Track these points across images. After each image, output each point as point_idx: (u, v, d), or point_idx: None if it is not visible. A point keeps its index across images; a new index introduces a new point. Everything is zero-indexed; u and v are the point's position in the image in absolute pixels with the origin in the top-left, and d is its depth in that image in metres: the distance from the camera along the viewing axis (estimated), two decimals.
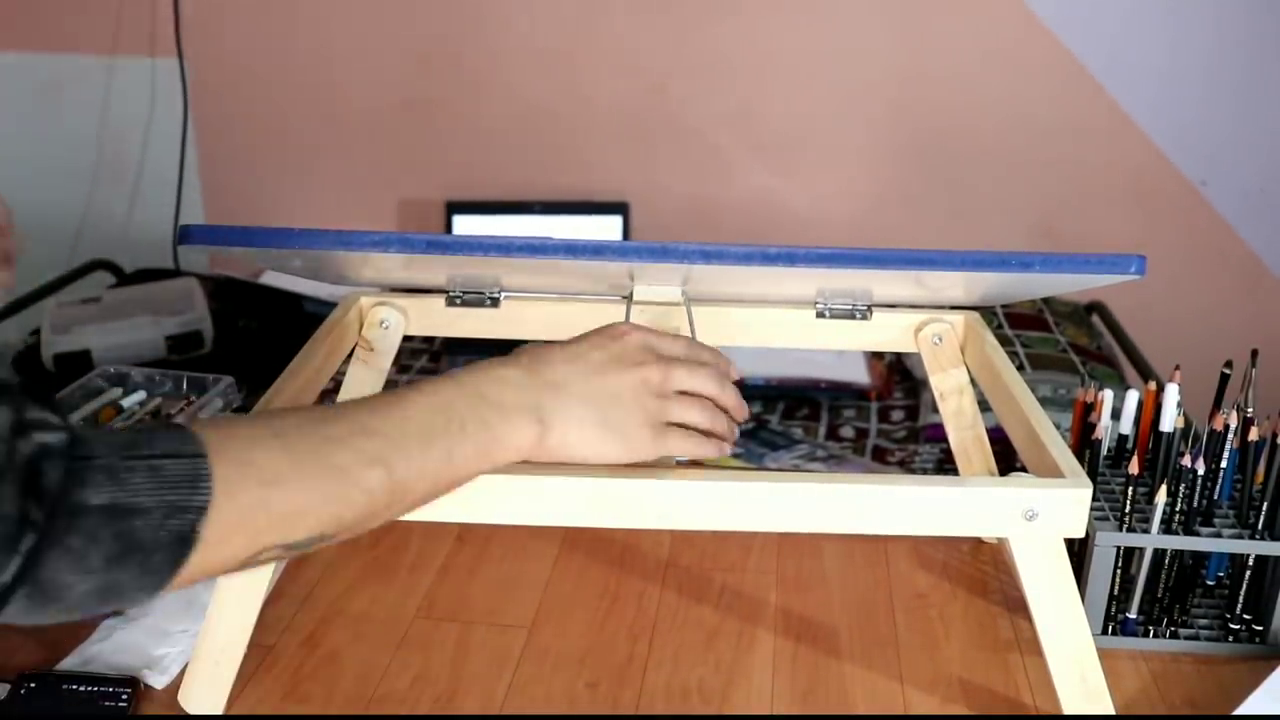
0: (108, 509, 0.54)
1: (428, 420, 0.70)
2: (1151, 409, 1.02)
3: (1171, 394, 0.99)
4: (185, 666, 0.90)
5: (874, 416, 1.95)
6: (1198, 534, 0.95)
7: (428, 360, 2.13)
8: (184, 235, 0.85)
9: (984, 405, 1.03)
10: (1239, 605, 0.97)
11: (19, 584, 0.52)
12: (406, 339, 1.08)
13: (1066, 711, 0.86)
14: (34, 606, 0.54)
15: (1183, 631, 0.98)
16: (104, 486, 0.54)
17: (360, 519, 0.67)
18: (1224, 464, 0.97)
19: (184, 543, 0.57)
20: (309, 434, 0.65)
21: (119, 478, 0.55)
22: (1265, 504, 0.94)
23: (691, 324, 0.97)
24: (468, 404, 0.72)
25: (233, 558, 0.61)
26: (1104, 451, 1.04)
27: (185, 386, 1.15)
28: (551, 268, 0.89)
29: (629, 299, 0.98)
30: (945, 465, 1.73)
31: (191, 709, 0.88)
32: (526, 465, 0.78)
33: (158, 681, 0.90)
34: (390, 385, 2.14)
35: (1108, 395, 1.01)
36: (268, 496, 0.61)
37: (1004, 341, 1.93)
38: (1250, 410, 0.98)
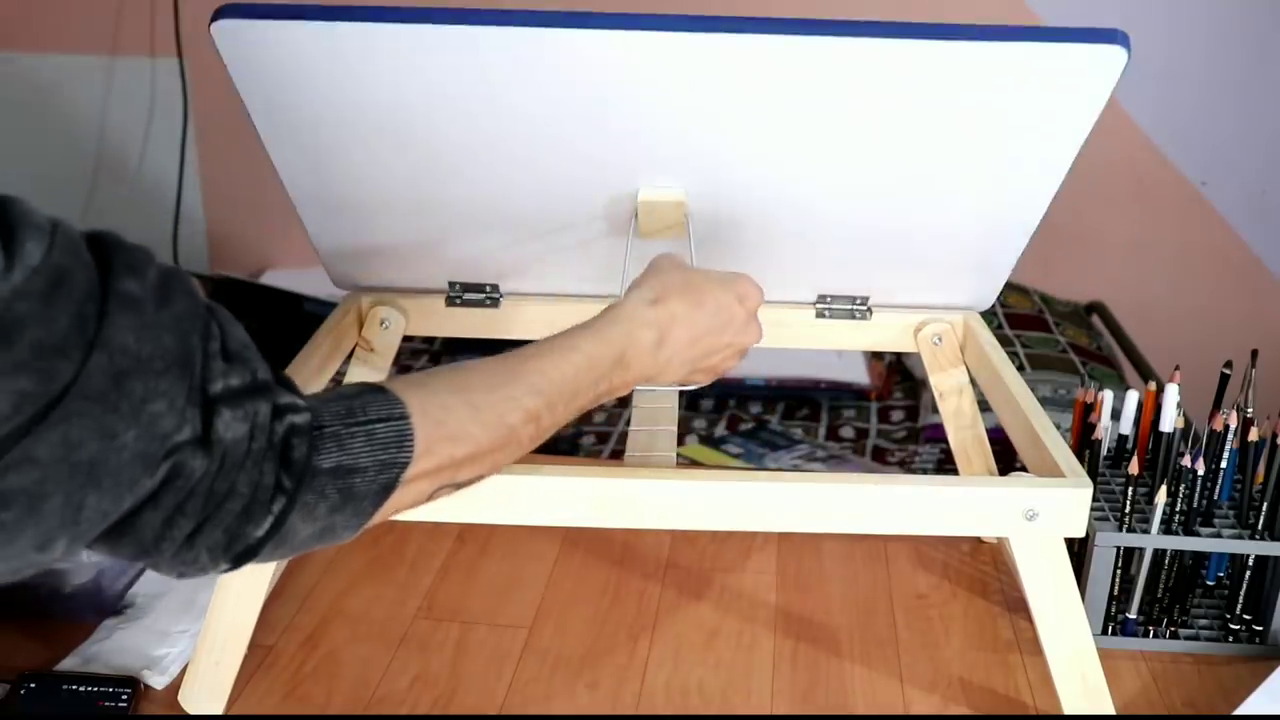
0: (334, 469, 0.64)
1: (580, 379, 0.78)
2: (1151, 409, 1.02)
3: (1171, 394, 0.99)
4: (185, 666, 0.90)
5: (874, 416, 1.95)
6: (1198, 534, 0.95)
7: (428, 360, 2.13)
8: (219, 14, 0.82)
9: (984, 405, 1.03)
10: (1239, 605, 0.97)
11: (269, 537, 0.62)
12: (406, 339, 1.08)
13: (1066, 711, 0.86)
14: (271, 552, 0.64)
15: (1183, 632, 0.98)
16: (333, 452, 0.64)
17: (508, 461, 0.76)
18: (1224, 464, 0.97)
19: (388, 490, 0.67)
20: (493, 395, 0.73)
21: (344, 443, 0.65)
22: (1265, 504, 0.94)
23: (690, 241, 0.95)
24: (609, 366, 0.80)
25: (417, 497, 0.70)
26: (1104, 452, 1.04)
27: None
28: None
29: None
30: (945, 465, 1.73)
31: (191, 709, 0.88)
32: (526, 464, 0.79)
33: (158, 681, 0.90)
34: None
35: (1108, 395, 1.01)
36: (454, 451, 0.71)
37: (1004, 341, 1.93)
38: (1250, 410, 0.98)
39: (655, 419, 0.92)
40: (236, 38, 0.83)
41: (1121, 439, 1.06)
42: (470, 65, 0.84)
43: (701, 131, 0.89)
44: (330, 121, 0.90)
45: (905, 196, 0.94)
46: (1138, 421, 1.04)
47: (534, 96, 0.87)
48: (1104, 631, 0.98)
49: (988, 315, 1.07)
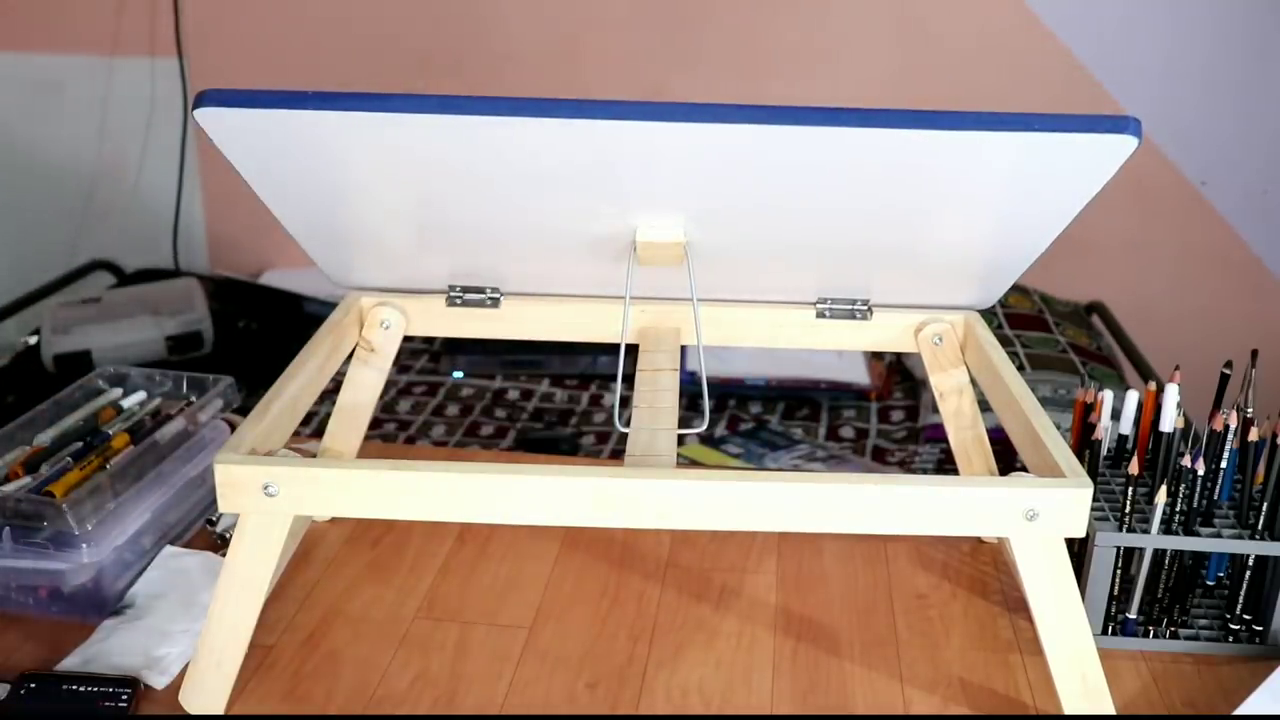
0: None
1: None
2: (1151, 409, 1.02)
3: (1171, 394, 0.99)
4: (185, 666, 0.90)
5: (874, 416, 1.95)
6: (1198, 534, 0.95)
7: (428, 360, 2.13)
8: (199, 100, 0.84)
9: (984, 405, 1.03)
10: (1239, 605, 0.97)
11: None
12: (406, 339, 1.08)
13: (1066, 711, 0.86)
14: None
15: (1183, 631, 0.98)
16: None
17: None
18: (1224, 464, 0.97)
19: None
20: None
21: None
22: (1265, 504, 0.94)
23: (691, 278, 0.96)
24: None
25: None
26: (1104, 452, 1.04)
27: (185, 386, 1.15)
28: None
29: (627, 299, 0.97)
30: (945, 465, 1.74)
31: (191, 709, 0.88)
32: (526, 464, 0.78)
33: (158, 681, 0.90)
34: (390, 386, 2.14)
35: (1108, 395, 1.01)
36: None
37: (1004, 341, 1.93)
38: (1250, 410, 0.98)
39: (655, 419, 0.92)
40: (219, 121, 0.85)
41: (1121, 439, 1.06)
42: (461, 150, 0.85)
43: (700, 174, 0.88)
44: (324, 190, 0.92)
45: (911, 222, 0.95)
46: (1138, 421, 1.04)
47: (526, 169, 0.88)
48: (1104, 631, 0.98)
49: (988, 315, 1.07)
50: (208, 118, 0.84)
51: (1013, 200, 0.90)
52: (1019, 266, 0.99)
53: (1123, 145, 0.82)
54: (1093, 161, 0.84)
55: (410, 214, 0.95)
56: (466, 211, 0.94)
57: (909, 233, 0.95)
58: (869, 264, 1.00)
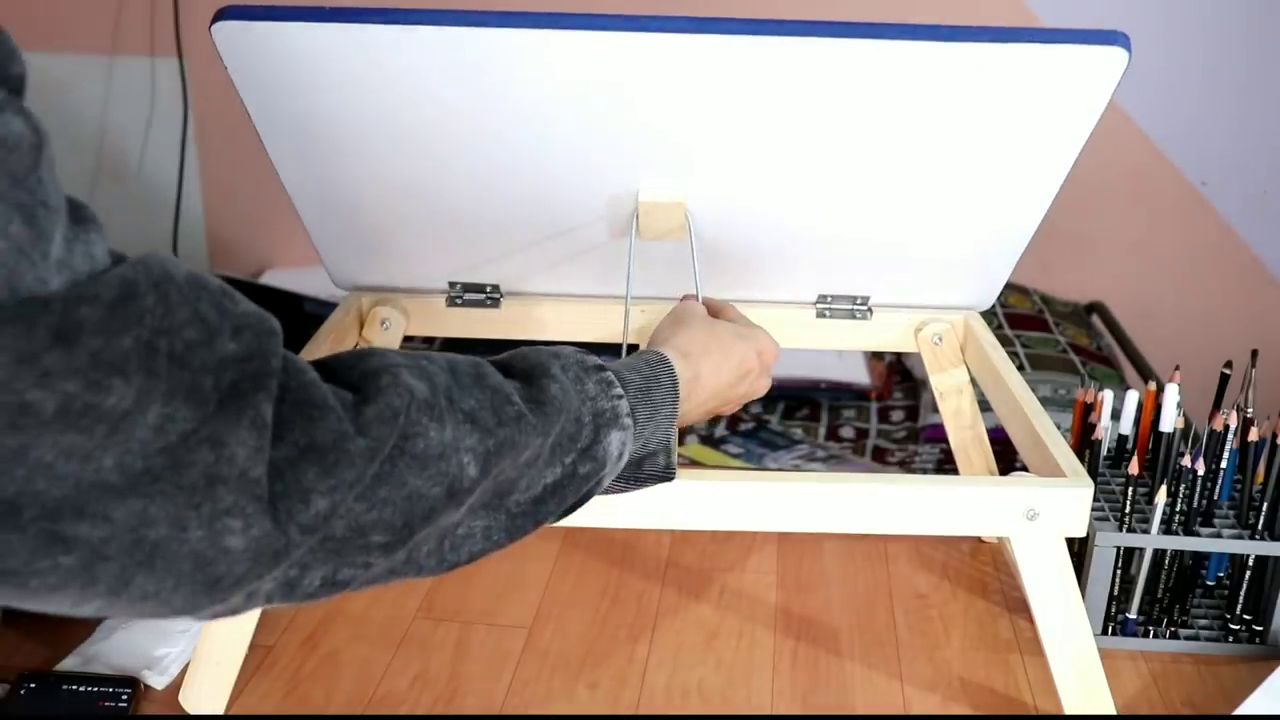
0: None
1: None
2: (1151, 409, 1.02)
3: (1171, 394, 0.99)
4: (185, 666, 0.90)
5: (874, 416, 1.95)
6: (1198, 534, 0.95)
7: None
8: (220, 15, 0.83)
9: (984, 405, 1.03)
10: (1239, 605, 0.97)
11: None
12: (406, 339, 1.08)
13: (1067, 711, 0.86)
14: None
15: (1183, 632, 0.98)
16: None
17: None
18: (1224, 464, 0.97)
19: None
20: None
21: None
22: (1265, 504, 0.94)
23: (692, 244, 0.95)
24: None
25: None
26: (1104, 452, 1.04)
27: None
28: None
29: (627, 299, 0.98)
30: (945, 465, 1.73)
31: (191, 709, 0.88)
32: None
33: (158, 681, 0.90)
34: None
35: (1108, 396, 1.01)
36: None
37: (1004, 341, 1.93)
38: (1250, 411, 0.98)
39: None
40: (236, 39, 0.83)
41: (1121, 439, 1.06)
42: (471, 65, 0.84)
43: (701, 134, 0.89)
44: (330, 122, 0.90)
45: (905, 198, 0.94)
46: (1138, 421, 1.04)
47: (534, 96, 0.87)
48: (1104, 631, 0.98)
49: (988, 315, 1.07)
50: (225, 33, 0.83)
51: (1009, 128, 0.88)
52: (1019, 241, 0.98)
53: (1114, 58, 0.82)
54: (1085, 79, 0.83)
55: (413, 154, 0.92)
56: (470, 165, 0.92)
57: (910, 174, 0.92)
58: (870, 239, 0.98)
